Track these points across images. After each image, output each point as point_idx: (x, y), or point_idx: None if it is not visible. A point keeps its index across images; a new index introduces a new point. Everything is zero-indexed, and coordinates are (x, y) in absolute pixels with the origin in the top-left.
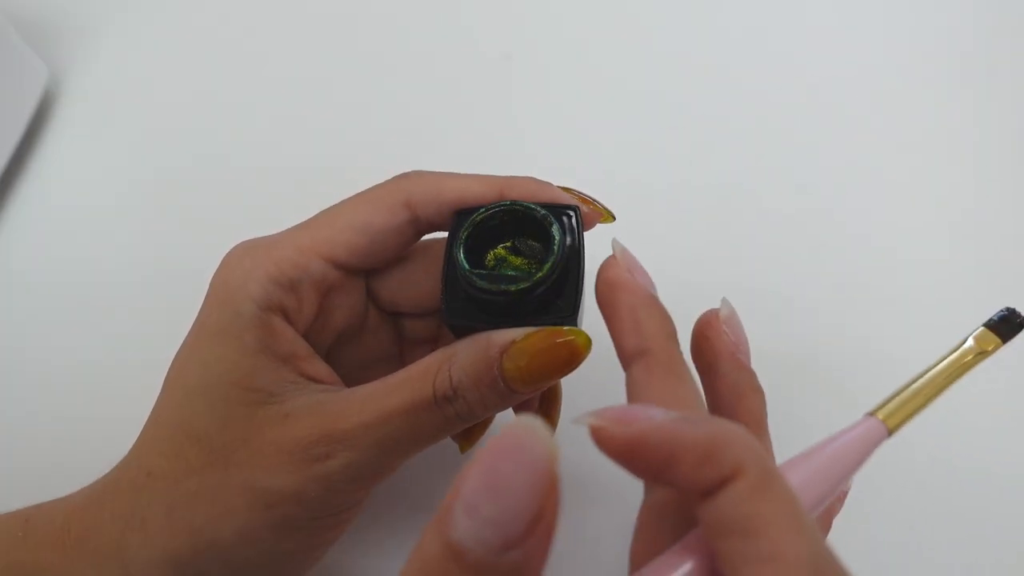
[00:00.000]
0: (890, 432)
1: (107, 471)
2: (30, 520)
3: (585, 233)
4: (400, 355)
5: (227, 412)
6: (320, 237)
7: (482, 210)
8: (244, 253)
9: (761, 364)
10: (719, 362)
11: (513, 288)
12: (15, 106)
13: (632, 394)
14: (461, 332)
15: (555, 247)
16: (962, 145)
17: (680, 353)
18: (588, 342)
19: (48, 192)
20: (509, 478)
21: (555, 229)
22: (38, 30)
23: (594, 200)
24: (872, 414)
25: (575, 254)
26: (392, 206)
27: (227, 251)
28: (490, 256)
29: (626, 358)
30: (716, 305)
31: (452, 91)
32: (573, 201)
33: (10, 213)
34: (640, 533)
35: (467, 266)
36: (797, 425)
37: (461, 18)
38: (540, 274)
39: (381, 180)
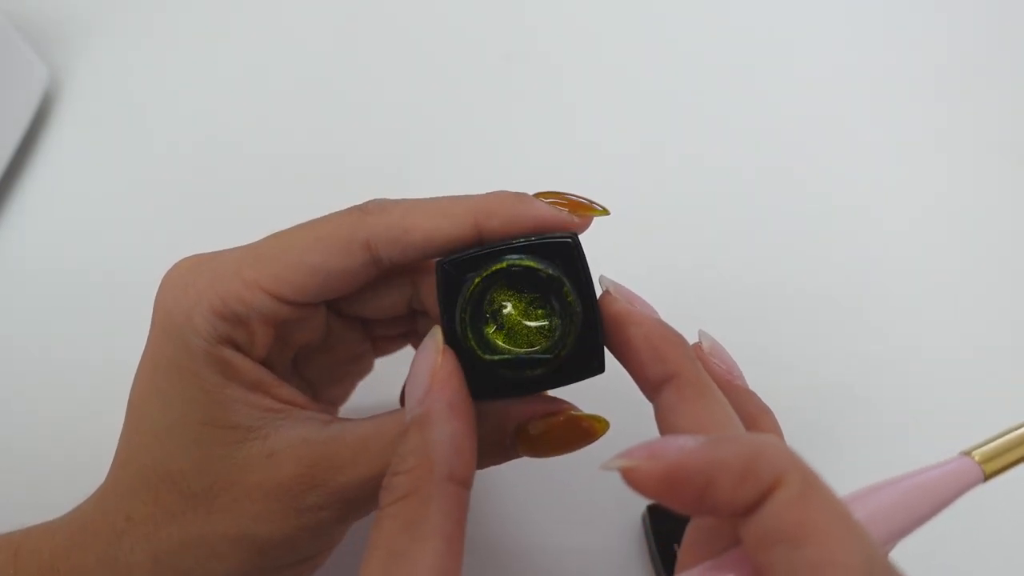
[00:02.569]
0: (986, 477)
1: (102, 476)
2: (19, 554)
3: (583, 234)
4: (373, 350)
5: (203, 454)
6: (268, 272)
7: (475, 279)
8: (186, 278)
9: (763, 365)
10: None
11: (540, 372)
12: (15, 107)
13: (664, 421)
14: None
15: (573, 316)
16: (964, 143)
17: (706, 374)
18: (606, 427)
19: (48, 193)
20: (416, 368)
21: (568, 292)
22: (39, 31)
23: (582, 199)
24: (967, 454)
25: (586, 293)
26: (348, 247)
27: (171, 267)
28: (490, 304)
29: (652, 387)
30: (723, 303)
31: (452, 91)
32: (562, 220)
33: (10, 214)
34: (686, 551)
35: (485, 356)
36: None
37: (462, 17)
38: (565, 351)
39: (380, 182)
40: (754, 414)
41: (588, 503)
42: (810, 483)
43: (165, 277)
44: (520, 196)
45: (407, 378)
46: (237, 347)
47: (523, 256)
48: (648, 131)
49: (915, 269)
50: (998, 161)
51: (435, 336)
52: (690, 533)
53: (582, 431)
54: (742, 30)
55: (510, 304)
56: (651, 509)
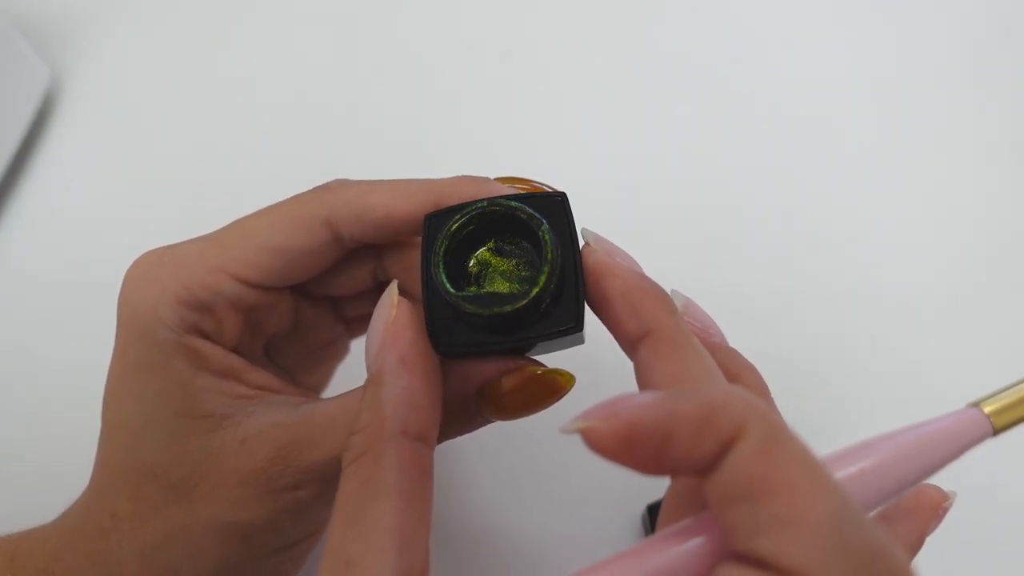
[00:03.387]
0: (996, 431)
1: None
2: (16, 559)
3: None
4: (347, 332)
5: (178, 445)
6: (231, 256)
7: (456, 217)
8: (148, 272)
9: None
10: None
11: (508, 309)
12: (16, 107)
13: (641, 380)
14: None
15: (548, 255)
16: (963, 141)
17: (686, 327)
18: (571, 381)
19: (49, 193)
20: (372, 324)
21: (545, 232)
22: (40, 31)
23: (541, 184)
24: (975, 405)
25: (569, 248)
26: (310, 225)
27: (132, 264)
28: (472, 262)
29: (629, 344)
30: (713, 303)
31: (452, 91)
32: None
33: (11, 214)
34: (664, 519)
35: (452, 290)
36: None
37: (460, 18)
38: (536, 289)
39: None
40: (735, 372)
41: (587, 503)
42: (773, 434)
43: (127, 273)
44: (480, 179)
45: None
46: (206, 335)
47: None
48: (648, 130)
49: (917, 269)
50: (1010, 161)
51: (391, 291)
52: (668, 499)
53: (546, 385)
54: (745, 32)
55: (493, 266)
56: (651, 508)
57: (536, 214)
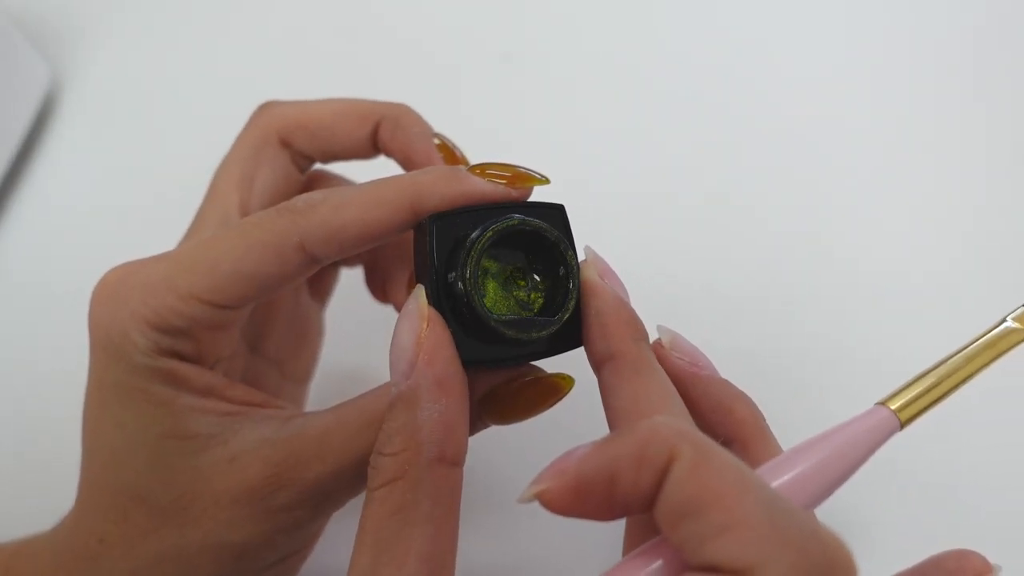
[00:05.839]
0: (902, 425)
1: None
2: (10, 572)
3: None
4: (310, 292)
5: (165, 467)
6: (201, 283)
7: (487, 234)
8: (117, 294)
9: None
10: (684, 388)
11: (545, 334)
12: (17, 106)
13: (604, 400)
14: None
15: (573, 278)
16: (964, 147)
17: (649, 354)
18: (572, 383)
19: (50, 193)
20: (399, 337)
21: (572, 257)
22: (41, 30)
23: (520, 168)
24: (883, 403)
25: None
26: (281, 251)
27: (99, 282)
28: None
29: (595, 364)
30: (714, 305)
31: (451, 90)
32: (500, 194)
33: (12, 214)
34: (627, 549)
35: (492, 315)
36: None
37: (461, 17)
38: (568, 315)
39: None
40: (727, 404)
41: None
42: (701, 451)
43: (95, 292)
44: (454, 172)
45: (391, 345)
46: (182, 357)
47: (527, 216)
48: (649, 131)
49: (916, 270)
50: (1010, 163)
51: (418, 299)
52: (627, 529)
53: (547, 389)
54: (745, 32)
55: (492, 273)
56: None
57: (562, 238)
